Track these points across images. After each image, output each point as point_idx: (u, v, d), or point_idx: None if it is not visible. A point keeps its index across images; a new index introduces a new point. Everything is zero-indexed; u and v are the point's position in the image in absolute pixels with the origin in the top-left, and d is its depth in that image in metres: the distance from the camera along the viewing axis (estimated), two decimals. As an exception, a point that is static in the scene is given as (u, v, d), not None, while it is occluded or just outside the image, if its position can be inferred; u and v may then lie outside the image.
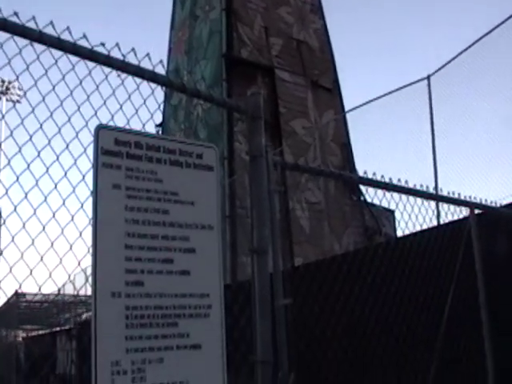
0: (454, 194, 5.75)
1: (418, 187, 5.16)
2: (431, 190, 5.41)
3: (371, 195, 5.16)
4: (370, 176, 4.49)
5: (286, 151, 16.54)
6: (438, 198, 5.68)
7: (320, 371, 6.93)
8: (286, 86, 18.07)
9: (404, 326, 6.69)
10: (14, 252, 2.69)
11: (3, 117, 3.10)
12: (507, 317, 6.35)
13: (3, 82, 31.86)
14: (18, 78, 2.88)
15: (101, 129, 2.86)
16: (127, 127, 3.05)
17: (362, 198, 18.35)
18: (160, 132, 17.44)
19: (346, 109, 19.44)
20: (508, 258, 6.29)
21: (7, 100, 32.01)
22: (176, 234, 2.94)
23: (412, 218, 5.81)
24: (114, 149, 2.85)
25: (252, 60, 17.80)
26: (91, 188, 2.77)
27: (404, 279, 6.20)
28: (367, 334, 7.22)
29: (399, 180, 4.99)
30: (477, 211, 5.80)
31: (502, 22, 10.12)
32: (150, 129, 3.34)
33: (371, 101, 13.87)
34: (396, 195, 5.20)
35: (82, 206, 2.79)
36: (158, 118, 18.95)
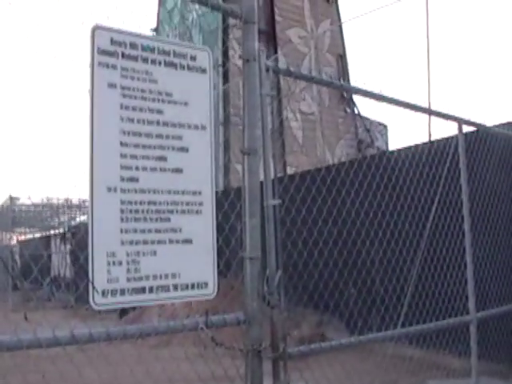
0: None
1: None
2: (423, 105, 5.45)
3: (366, 109, 5.23)
4: (361, 86, 4.54)
5: (280, 60, 16.42)
6: (428, 112, 5.75)
7: (306, 271, 7.17)
8: (282, 0, 17.81)
9: (390, 233, 6.90)
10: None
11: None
12: (488, 227, 6.57)
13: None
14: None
15: (97, 28, 2.91)
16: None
17: (356, 111, 18.37)
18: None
19: (343, 19, 19.24)
20: (492, 173, 6.48)
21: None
22: (169, 133, 3.04)
23: (404, 133, 5.96)
24: (110, 48, 2.91)
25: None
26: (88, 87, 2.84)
27: (393, 191, 6.34)
28: (355, 241, 7.44)
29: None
30: (468, 129, 5.92)
31: None
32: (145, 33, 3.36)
33: (367, 13, 13.73)
34: (390, 110, 5.25)
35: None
36: (153, 23, 18.72)
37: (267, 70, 3.62)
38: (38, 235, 30.34)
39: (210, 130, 3.21)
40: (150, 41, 3.07)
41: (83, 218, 21.32)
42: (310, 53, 17.76)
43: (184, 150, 3.09)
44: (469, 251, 5.46)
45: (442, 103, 5.75)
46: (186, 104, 3.12)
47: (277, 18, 17.21)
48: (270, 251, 3.46)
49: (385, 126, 19.08)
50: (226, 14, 3.57)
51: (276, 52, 16.42)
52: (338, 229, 6.67)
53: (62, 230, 24.18)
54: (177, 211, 3.03)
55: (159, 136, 2.99)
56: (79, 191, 3.04)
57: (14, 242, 28.17)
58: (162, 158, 2.99)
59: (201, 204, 3.12)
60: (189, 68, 3.18)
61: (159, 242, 2.96)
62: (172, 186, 3.01)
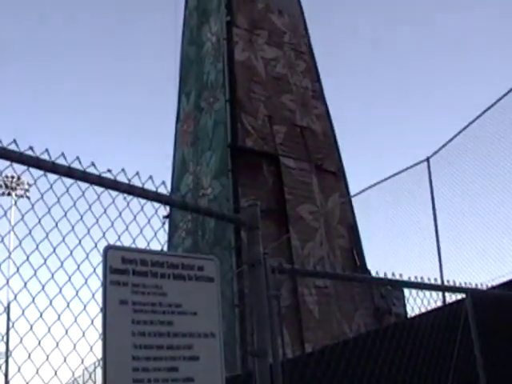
0: (454, 282, 6.15)
1: (421, 274, 5.49)
2: (432, 281, 5.70)
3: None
4: (367, 275, 4.71)
5: (293, 237, 16.79)
6: (437, 288, 5.96)
7: None
8: (291, 172, 18.44)
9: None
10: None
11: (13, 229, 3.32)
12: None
13: (13, 177, 32.38)
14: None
15: (109, 249, 3.12)
16: (134, 245, 3.33)
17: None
18: (167, 225, 17.71)
19: (352, 190, 19.78)
20: (499, 332, 6.52)
21: (16, 196, 32.70)
22: (180, 344, 3.17)
23: (417, 302, 6.13)
24: (122, 267, 3.10)
25: (257, 149, 18.24)
26: (101, 305, 3.00)
27: (407, 360, 6.35)
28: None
29: (401, 275, 5.30)
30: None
31: (496, 102, 10.44)
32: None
33: (374, 185, 14.17)
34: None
35: (92, 322, 3.01)
36: (163, 236, 19.17)
37: (273, 272, 3.79)
38: None
39: (219, 336, 3.33)
40: (159, 256, 3.28)
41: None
42: (321, 227, 18.12)
43: (194, 358, 3.20)
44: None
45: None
46: (195, 313, 3.27)
47: (286, 196, 17.73)
48: None
49: (401, 291, 19.04)
50: (230, 221, 3.81)
51: (288, 231, 16.79)
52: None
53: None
54: (190, 421, 3.09)
55: (170, 347, 3.12)
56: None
57: None
58: (174, 369, 3.09)
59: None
60: (196, 278, 3.36)
61: None
62: (184, 396, 3.09)
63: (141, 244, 3.41)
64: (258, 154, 18.19)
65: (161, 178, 3.52)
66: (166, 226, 18.71)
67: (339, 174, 20.27)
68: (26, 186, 31.89)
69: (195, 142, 20.37)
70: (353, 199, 18.41)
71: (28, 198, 3.23)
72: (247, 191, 16.88)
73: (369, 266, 18.49)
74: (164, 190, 3.51)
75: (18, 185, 33.39)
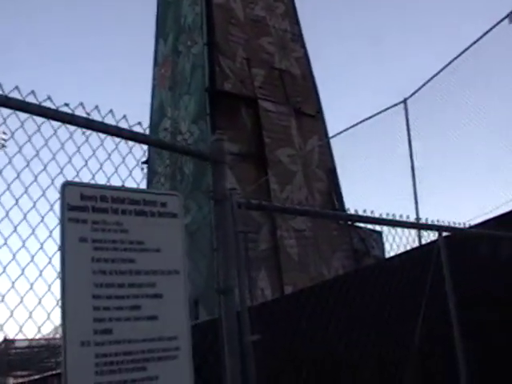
0: (427, 220, 6.16)
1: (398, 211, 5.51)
2: (405, 218, 5.70)
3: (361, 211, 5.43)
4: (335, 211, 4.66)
5: (271, 181, 16.75)
6: (409, 226, 5.95)
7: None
8: (269, 116, 18.30)
9: (378, 347, 6.85)
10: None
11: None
12: (478, 330, 6.54)
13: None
14: None
15: (67, 185, 3.02)
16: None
17: (349, 222, 18.49)
18: (146, 170, 17.59)
19: (330, 134, 19.70)
20: (475, 273, 6.56)
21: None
22: (143, 282, 3.09)
23: (396, 241, 6.16)
24: (80, 204, 3.00)
25: (235, 92, 18.04)
26: (59, 243, 2.92)
27: (383, 300, 6.40)
28: (344, 360, 7.37)
29: (372, 212, 5.26)
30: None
31: (472, 44, 10.35)
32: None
33: (352, 126, 14.12)
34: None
35: (50, 262, 2.93)
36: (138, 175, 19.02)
37: (239, 207, 3.72)
38: (36, 377, 29.64)
39: (184, 274, 3.26)
40: (120, 192, 3.18)
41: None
42: (300, 170, 18.09)
43: (158, 296, 3.13)
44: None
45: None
46: (157, 250, 3.19)
47: (265, 139, 17.63)
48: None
49: (379, 233, 19.15)
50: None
51: (266, 174, 16.74)
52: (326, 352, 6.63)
53: (59, 370, 23.57)
54: (153, 359, 3.04)
55: (132, 285, 3.04)
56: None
57: (10, 384, 27.53)
58: (136, 307, 3.03)
59: (177, 349, 3.14)
60: (159, 214, 3.27)
61: (136, 392, 2.96)
62: (147, 333, 3.03)
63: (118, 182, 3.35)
64: (236, 97, 18.01)
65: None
66: (145, 172, 18.58)
67: (318, 117, 20.16)
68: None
69: (173, 87, 20.12)
70: (331, 142, 18.37)
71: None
72: (226, 134, 16.69)
73: (347, 210, 18.54)
74: (140, 130, 3.41)
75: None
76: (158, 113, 20.94)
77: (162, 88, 21.14)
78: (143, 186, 3.73)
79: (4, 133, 3.10)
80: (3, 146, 3.12)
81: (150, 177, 19.40)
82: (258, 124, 17.92)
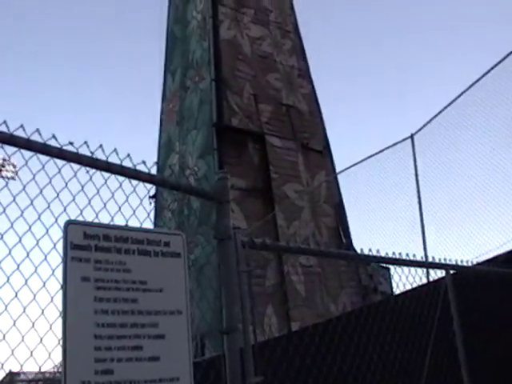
0: (434, 258, 6.15)
1: (406, 249, 5.51)
2: (411, 257, 5.68)
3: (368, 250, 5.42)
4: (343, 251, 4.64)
5: (278, 216, 16.72)
6: (417, 265, 5.93)
7: None
8: (276, 151, 18.35)
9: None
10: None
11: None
12: (486, 368, 6.47)
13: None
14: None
15: (70, 224, 3.02)
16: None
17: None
18: (153, 204, 17.58)
19: (337, 169, 19.72)
20: (483, 311, 6.51)
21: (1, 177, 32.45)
22: (145, 322, 3.07)
23: (402, 279, 6.11)
24: (83, 242, 3.00)
25: (242, 128, 18.12)
26: (61, 282, 2.90)
27: (385, 340, 6.34)
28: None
29: (378, 250, 5.26)
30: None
31: (482, 76, 10.39)
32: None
33: (359, 162, 14.14)
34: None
35: (52, 300, 2.92)
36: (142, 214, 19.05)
37: (243, 247, 3.70)
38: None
39: (187, 313, 3.24)
40: (123, 231, 3.17)
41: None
42: (307, 205, 18.08)
43: (160, 337, 3.11)
44: None
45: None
46: (160, 290, 3.18)
47: (272, 175, 17.64)
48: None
49: (387, 269, 19.06)
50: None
51: (273, 209, 16.72)
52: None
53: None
54: (155, 400, 3.00)
55: (134, 325, 3.02)
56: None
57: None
58: (138, 348, 3.00)
59: (179, 390, 3.10)
60: (162, 254, 3.26)
61: None
62: (148, 374, 3.01)
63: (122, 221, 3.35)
64: (243, 132, 18.08)
65: (145, 158, 3.44)
66: (152, 206, 18.60)
67: (325, 153, 20.20)
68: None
69: (181, 121, 20.23)
70: (338, 177, 18.36)
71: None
72: (233, 170, 16.77)
73: (355, 244, 18.51)
74: (145, 169, 3.42)
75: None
76: (165, 147, 21.04)
77: (170, 123, 21.26)
78: (149, 222, 3.71)
79: (13, 165, 3.12)
80: (12, 178, 3.14)
81: (158, 211, 19.42)
82: (265, 159, 17.95)
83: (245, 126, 18.23)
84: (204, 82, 19.28)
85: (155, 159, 21.34)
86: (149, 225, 3.62)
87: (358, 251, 5.51)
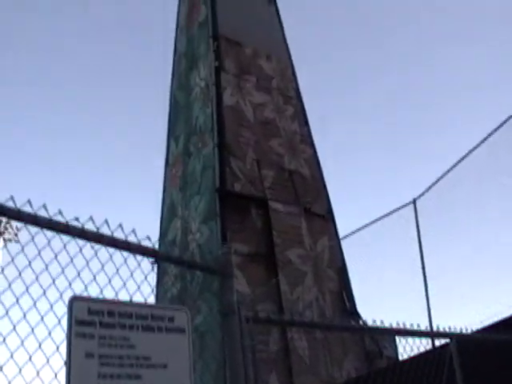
0: (438, 327, 6.19)
1: (411, 316, 5.51)
2: (415, 326, 5.69)
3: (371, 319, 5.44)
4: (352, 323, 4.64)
5: (281, 282, 16.65)
6: (422, 335, 5.95)
7: None
8: (279, 216, 18.39)
9: None
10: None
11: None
12: None
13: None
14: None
15: (74, 299, 3.04)
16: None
17: (361, 322, 18.25)
18: (156, 268, 17.54)
19: (340, 232, 19.74)
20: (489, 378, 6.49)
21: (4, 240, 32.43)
22: (149, 398, 3.06)
23: (407, 346, 6.12)
24: (88, 318, 3.02)
25: (245, 193, 18.21)
26: (65, 358, 2.91)
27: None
28: None
29: (382, 321, 5.27)
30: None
31: (483, 141, 10.51)
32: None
33: (362, 228, 14.20)
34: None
35: (55, 377, 2.92)
36: (146, 289, 19.03)
37: (247, 321, 3.70)
38: None
39: (191, 389, 3.23)
40: (127, 307, 3.19)
41: None
42: (310, 270, 18.03)
43: (164, 413, 3.09)
44: None
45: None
46: (164, 366, 3.18)
47: (275, 240, 17.65)
48: None
49: (393, 334, 18.86)
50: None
51: (277, 275, 16.69)
52: None
53: None
54: None
55: (138, 402, 3.01)
56: None
57: None
58: (141, 425, 2.99)
59: None
60: (167, 330, 3.27)
61: None
62: None
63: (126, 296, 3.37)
64: (246, 198, 18.15)
65: (149, 224, 3.48)
66: (155, 271, 18.56)
67: (328, 217, 20.22)
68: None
69: (184, 187, 20.33)
70: (342, 241, 18.36)
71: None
72: (236, 236, 16.78)
73: (359, 308, 18.39)
74: (149, 243, 3.46)
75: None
76: (168, 212, 21.10)
77: (173, 188, 21.38)
78: (153, 297, 3.72)
79: (17, 228, 3.15)
80: (16, 240, 3.17)
81: (160, 275, 19.35)
82: (268, 224, 17.98)
83: (248, 192, 18.32)
84: (207, 147, 19.46)
85: (158, 224, 21.42)
86: (149, 289, 3.63)
87: (362, 316, 5.51)
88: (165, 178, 22.47)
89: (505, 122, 9.45)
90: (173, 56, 25.73)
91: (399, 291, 12.45)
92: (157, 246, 3.44)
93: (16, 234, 3.25)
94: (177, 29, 26.61)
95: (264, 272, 16.86)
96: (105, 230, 3.28)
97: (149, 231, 3.51)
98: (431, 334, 6.42)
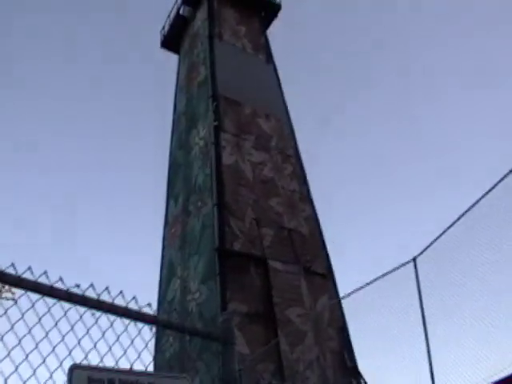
0: None
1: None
2: None
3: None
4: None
5: (281, 341, 16.49)
6: None
7: None
8: (279, 275, 18.33)
9: None
10: None
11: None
12: None
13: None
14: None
15: (74, 368, 3.01)
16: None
17: (363, 382, 18.04)
18: (154, 329, 17.39)
19: (341, 291, 19.60)
20: None
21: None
22: None
23: None
24: (88, 388, 2.98)
25: (244, 252, 18.19)
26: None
27: None
28: None
29: None
30: None
31: (483, 196, 10.49)
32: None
33: (362, 287, 14.10)
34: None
35: None
36: (147, 357, 18.90)
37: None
38: None
39: None
40: (128, 375, 3.15)
41: None
42: (311, 330, 17.86)
43: None
44: None
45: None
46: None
47: (275, 299, 17.55)
48: None
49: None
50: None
51: (276, 334, 16.56)
52: None
53: None
54: None
55: None
56: None
57: None
58: None
59: None
60: (168, 395, 3.24)
61: None
62: None
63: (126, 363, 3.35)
64: (245, 257, 18.12)
65: (148, 285, 3.47)
66: (153, 331, 18.38)
67: (328, 276, 20.15)
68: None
69: (183, 246, 20.32)
70: (342, 300, 18.23)
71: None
72: (235, 295, 16.71)
73: (360, 367, 18.15)
74: (150, 310, 3.45)
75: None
76: (167, 272, 21.04)
77: (171, 247, 21.36)
78: (151, 361, 3.69)
79: (12, 292, 3.14)
80: (13, 299, 3.16)
81: (159, 336, 19.18)
82: (268, 283, 17.91)
83: (247, 251, 18.31)
84: (206, 207, 19.52)
85: (157, 284, 21.33)
86: (150, 357, 3.60)
87: (364, 375, 5.44)
88: (163, 238, 22.48)
89: (503, 178, 9.46)
90: (172, 115, 26.03)
91: (401, 349, 12.27)
92: (155, 308, 3.41)
93: (13, 293, 3.25)
94: (176, 88, 26.99)
95: (263, 331, 16.71)
96: (105, 297, 3.28)
97: (149, 292, 3.51)
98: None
